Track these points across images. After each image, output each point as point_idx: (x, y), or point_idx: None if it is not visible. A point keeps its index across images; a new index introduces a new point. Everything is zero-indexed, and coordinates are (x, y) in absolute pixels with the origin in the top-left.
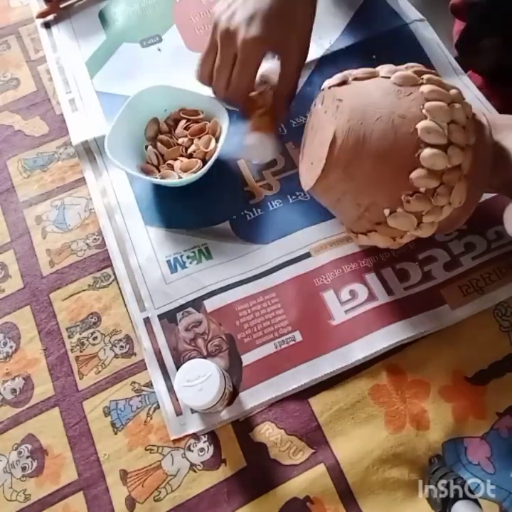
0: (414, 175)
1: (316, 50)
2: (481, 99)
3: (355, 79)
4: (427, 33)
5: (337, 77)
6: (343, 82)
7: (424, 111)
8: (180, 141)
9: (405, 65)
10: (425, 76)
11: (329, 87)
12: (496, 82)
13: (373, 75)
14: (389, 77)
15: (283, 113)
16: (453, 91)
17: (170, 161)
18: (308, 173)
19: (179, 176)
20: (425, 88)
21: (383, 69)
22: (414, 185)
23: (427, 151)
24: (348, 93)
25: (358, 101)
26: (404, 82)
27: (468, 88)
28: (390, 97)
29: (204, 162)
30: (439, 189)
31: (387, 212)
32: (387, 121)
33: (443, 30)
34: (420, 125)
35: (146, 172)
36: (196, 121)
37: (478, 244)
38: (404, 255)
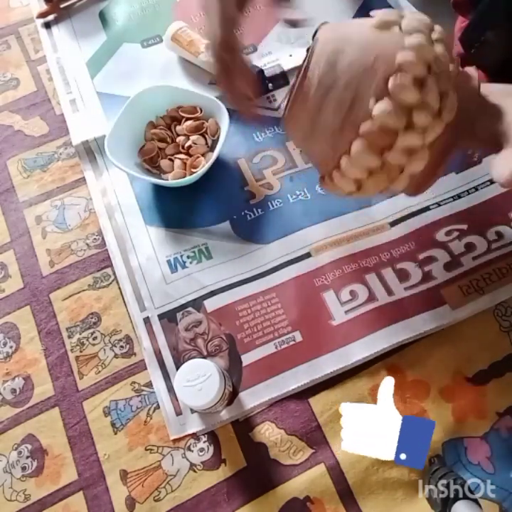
0: (400, 56)
1: None
2: None
3: None
4: None
5: None
6: None
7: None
8: (178, 139)
9: None
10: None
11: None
12: (500, 77)
13: None
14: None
15: None
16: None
17: (170, 157)
18: (291, 95)
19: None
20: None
21: None
22: (401, 70)
23: (413, 37)
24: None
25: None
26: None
27: None
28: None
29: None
30: (429, 80)
31: (372, 101)
32: (369, 24)
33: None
34: (404, 21)
35: (144, 161)
36: (196, 119)
37: (479, 245)
38: (404, 255)
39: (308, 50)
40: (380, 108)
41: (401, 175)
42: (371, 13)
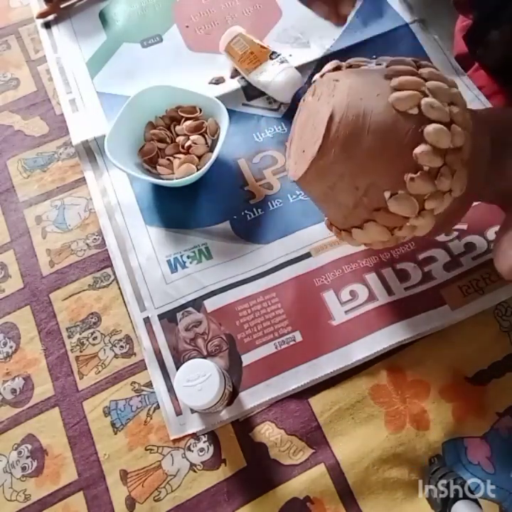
0: (418, 150)
1: (316, 51)
2: (481, 99)
3: (349, 66)
4: (427, 33)
5: (330, 64)
6: (337, 68)
7: (425, 89)
8: (178, 139)
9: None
10: (422, 63)
11: (322, 75)
12: (503, 77)
13: (367, 63)
14: (381, 64)
15: None
16: (450, 79)
17: (169, 157)
18: (299, 161)
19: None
20: (424, 71)
21: (376, 60)
22: (417, 164)
23: (431, 127)
24: (345, 74)
25: (355, 79)
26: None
27: (469, 88)
28: (387, 78)
29: (200, 158)
30: (443, 169)
31: (388, 194)
32: (388, 97)
33: (443, 30)
34: (423, 101)
35: (145, 161)
36: (196, 119)
37: (478, 245)
38: (404, 255)
39: (313, 81)
40: (395, 202)
41: (406, 237)
42: (383, 61)
